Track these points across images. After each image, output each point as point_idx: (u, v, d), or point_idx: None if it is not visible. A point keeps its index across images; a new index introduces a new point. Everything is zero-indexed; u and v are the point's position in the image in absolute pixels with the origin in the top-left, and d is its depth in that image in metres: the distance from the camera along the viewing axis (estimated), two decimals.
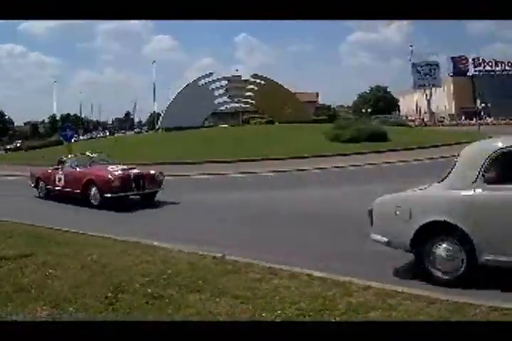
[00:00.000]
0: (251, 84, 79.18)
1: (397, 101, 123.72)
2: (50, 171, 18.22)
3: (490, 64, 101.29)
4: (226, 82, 79.63)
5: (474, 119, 60.16)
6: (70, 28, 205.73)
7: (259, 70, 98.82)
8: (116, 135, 73.15)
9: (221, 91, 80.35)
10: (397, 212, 6.93)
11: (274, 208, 13.63)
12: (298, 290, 6.13)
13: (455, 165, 6.73)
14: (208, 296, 6.00)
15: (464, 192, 6.44)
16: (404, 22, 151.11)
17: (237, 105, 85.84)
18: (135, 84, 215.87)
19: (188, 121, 64.99)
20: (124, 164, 17.65)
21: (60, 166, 17.87)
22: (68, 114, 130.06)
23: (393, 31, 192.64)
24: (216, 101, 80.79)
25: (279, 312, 5.34)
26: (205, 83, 78.08)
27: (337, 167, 25.25)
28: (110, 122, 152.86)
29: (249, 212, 13.35)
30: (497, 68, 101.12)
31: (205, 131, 56.79)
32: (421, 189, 7.24)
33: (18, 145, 75.14)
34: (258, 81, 78.79)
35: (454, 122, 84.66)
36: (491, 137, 37.36)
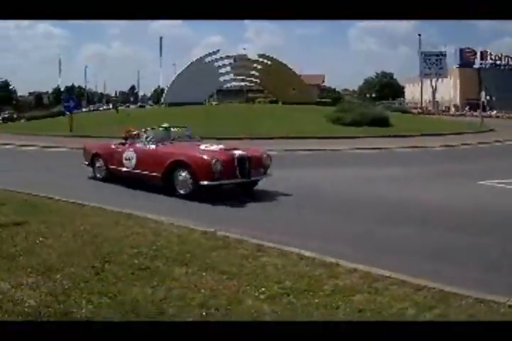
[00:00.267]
0: (257, 64, 78.76)
1: (403, 88, 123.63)
2: (114, 147, 14.36)
3: (497, 58, 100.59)
4: (232, 60, 79.10)
5: (478, 111, 59.93)
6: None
7: (266, 51, 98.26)
8: (119, 108, 72.43)
9: (227, 69, 79.96)
10: None
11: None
12: (285, 269, 6.14)
13: None
14: (194, 270, 6.02)
15: None
16: None
17: (242, 84, 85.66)
18: (141, 58, 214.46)
19: (191, 97, 64.78)
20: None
21: (128, 141, 14.24)
22: (73, 86, 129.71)
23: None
24: (221, 79, 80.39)
25: (263, 289, 5.36)
26: (211, 60, 77.50)
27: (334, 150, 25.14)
28: (115, 95, 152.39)
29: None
30: (504, 62, 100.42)
31: (211, 107, 56.75)
32: None
33: (6, 116, 72.98)
34: (264, 61, 78.31)
35: (458, 113, 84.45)
36: (492, 130, 37.82)
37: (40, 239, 7.29)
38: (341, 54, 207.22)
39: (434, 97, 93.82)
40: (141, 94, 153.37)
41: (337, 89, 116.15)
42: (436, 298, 5.28)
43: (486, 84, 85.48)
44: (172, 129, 14.40)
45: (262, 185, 12.83)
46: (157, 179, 12.52)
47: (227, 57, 78.20)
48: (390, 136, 30.08)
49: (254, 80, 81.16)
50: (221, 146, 12.63)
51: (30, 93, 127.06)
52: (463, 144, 28.47)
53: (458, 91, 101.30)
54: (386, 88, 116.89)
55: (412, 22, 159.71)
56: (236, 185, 12.51)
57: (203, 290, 5.34)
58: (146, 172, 12.88)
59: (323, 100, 72.57)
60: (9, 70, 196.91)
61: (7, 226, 8.00)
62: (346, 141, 27.98)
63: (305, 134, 29.62)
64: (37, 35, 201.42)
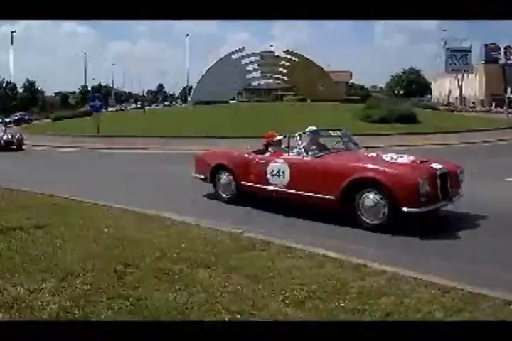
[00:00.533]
0: (284, 61, 78.89)
1: (430, 84, 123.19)
2: (250, 157, 11.04)
3: None
4: (259, 57, 79.45)
5: (504, 107, 59.43)
6: None
7: (293, 47, 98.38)
8: (146, 108, 73.07)
9: (254, 66, 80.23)
10: None
11: None
12: (311, 271, 6.06)
13: None
14: (218, 273, 5.97)
15: None
16: None
17: (269, 81, 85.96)
18: (168, 57, 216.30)
19: (219, 95, 65.17)
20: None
21: (271, 149, 11.11)
22: (100, 85, 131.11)
23: None
24: (248, 77, 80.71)
25: (289, 293, 5.29)
26: (238, 58, 77.97)
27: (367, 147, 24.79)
28: (142, 94, 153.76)
29: None
30: None
31: (239, 105, 57.15)
32: None
33: (16, 117, 71.08)
34: (291, 57, 78.50)
35: (484, 109, 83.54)
36: None
37: (62, 242, 7.32)
38: (368, 50, 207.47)
39: (460, 93, 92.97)
40: (169, 93, 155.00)
41: (365, 86, 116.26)
42: (464, 300, 5.19)
43: (511, 80, 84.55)
44: (333, 133, 11.18)
45: None
46: (330, 203, 9.27)
47: (254, 54, 78.48)
48: (418, 133, 29.77)
49: (282, 77, 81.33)
50: (412, 158, 9.56)
51: (56, 93, 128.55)
52: (499, 140, 28.19)
53: (483, 88, 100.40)
54: (413, 85, 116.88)
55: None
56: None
57: (226, 294, 5.28)
58: (310, 194, 9.57)
59: (352, 97, 72.42)
60: (35, 70, 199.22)
61: (29, 229, 8.05)
62: (378, 138, 27.72)
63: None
64: (62, 34, 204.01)
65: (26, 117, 74.41)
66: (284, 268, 6.18)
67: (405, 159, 9.38)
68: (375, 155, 9.85)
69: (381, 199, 8.54)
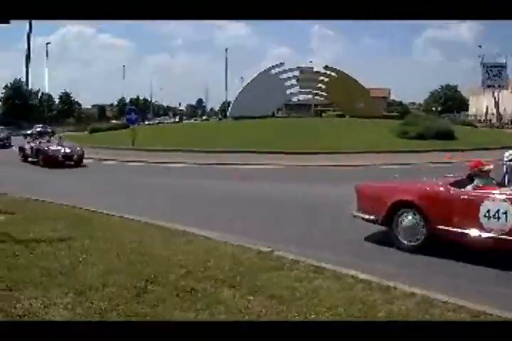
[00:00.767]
0: (323, 76, 79.16)
1: (467, 100, 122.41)
2: (452, 192, 8.44)
3: None
4: (298, 72, 79.88)
5: None
6: None
7: (332, 63, 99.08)
8: (184, 121, 73.85)
9: (292, 81, 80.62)
10: None
11: None
12: (339, 293, 5.86)
13: None
14: (242, 293, 5.80)
15: None
16: (475, 22, 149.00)
17: (309, 97, 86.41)
18: (207, 70, 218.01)
19: (257, 110, 65.49)
20: None
21: (478, 181, 8.55)
22: (138, 98, 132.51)
23: (464, 30, 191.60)
24: (288, 92, 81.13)
25: (314, 315, 5.09)
26: (277, 72, 78.41)
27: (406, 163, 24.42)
28: (181, 108, 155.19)
29: None
30: None
31: (279, 120, 57.50)
32: None
33: (38, 129, 63.85)
34: (330, 73, 78.76)
35: None
36: None
37: (84, 255, 7.24)
38: (406, 66, 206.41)
39: (497, 110, 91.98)
40: (209, 107, 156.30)
41: (404, 102, 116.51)
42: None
43: None
44: None
45: None
46: None
47: (293, 69, 78.94)
48: (456, 150, 29.34)
49: (321, 93, 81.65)
50: None
51: (92, 105, 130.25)
52: None
53: None
54: (450, 101, 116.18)
55: (472, 33, 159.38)
56: None
57: (248, 316, 5.10)
58: None
59: (391, 114, 72.54)
60: (72, 82, 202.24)
61: (52, 241, 8.01)
62: (415, 155, 27.61)
63: (378, 148, 29.49)
64: (100, 46, 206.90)
65: (48, 130, 68.90)
66: (311, 289, 5.99)
67: None
68: None
69: None
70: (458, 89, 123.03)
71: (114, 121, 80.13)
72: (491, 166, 8.76)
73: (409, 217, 8.68)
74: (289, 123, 53.15)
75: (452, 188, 8.51)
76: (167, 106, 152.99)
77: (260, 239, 8.74)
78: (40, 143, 27.64)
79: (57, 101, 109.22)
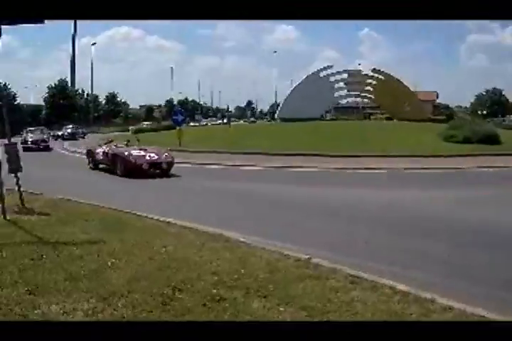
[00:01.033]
0: (371, 79, 79.43)
1: None
2: None
3: None
4: (346, 75, 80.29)
5: None
6: None
7: (380, 66, 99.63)
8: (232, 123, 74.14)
9: (341, 84, 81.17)
10: None
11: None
12: (374, 306, 5.59)
13: None
14: (273, 304, 5.58)
15: None
16: None
17: (357, 99, 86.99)
18: (257, 73, 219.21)
19: (306, 112, 65.83)
20: None
21: None
22: (186, 99, 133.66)
23: (508, 34, 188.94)
24: (336, 94, 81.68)
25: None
26: (326, 75, 78.90)
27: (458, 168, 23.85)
28: (229, 109, 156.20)
29: None
30: None
31: (325, 123, 57.60)
32: None
33: (69, 131, 62.93)
34: (378, 76, 79.05)
35: None
36: None
37: (113, 260, 7.14)
38: (453, 69, 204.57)
39: None
40: (258, 109, 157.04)
41: (450, 106, 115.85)
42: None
43: None
44: None
45: None
46: None
47: (341, 71, 79.47)
48: (502, 155, 28.71)
49: (369, 96, 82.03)
50: None
51: (140, 106, 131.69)
52: None
53: None
54: (496, 105, 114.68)
55: None
56: None
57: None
58: None
59: (438, 117, 72.78)
60: (120, 83, 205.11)
61: (82, 244, 7.94)
62: (463, 159, 27.24)
63: (425, 152, 29.27)
64: (148, 47, 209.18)
65: (80, 131, 67.23)
66: (345, 301, 5.74)
67: None
68: None
69: None
70: (503, 93, 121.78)
71: (145, 123, 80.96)
72: None
73: None
74: (338, 125, 53.34)
75: None
76: (216, 108, 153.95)
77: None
78: (116, 146, 23.57)
79: (103, 101, 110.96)
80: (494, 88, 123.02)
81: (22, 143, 36.97)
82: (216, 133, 49.77)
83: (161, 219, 10.48)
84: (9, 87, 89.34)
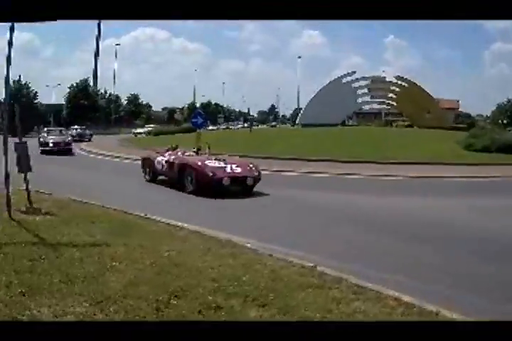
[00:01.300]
0: (394, 86, 79.86)
1: None
2: None
3: None
4: (369, 81, 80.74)
5: None
6: None
7: (404, 73, 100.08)
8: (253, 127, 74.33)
9: (364, 90, 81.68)
10: None
11: None
12: (375, 318, 5.49)
13: None
14: (271, 313, 5.51)
15: None
16: None
17: (379, 106, 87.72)
18: (281, 77, 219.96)
19: (328, 118, 66.19)
20: None
21: None
22: (209, 102, 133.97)
23: None
24: (359, 100, 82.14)
25: None
26: (349, 81, 79.37)
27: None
28: (252, 113, 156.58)
29: None
30: None
31: (341, 129, 58.03)
32: None
33: (76, 131, 58.61)
34: (401, 83, 79.49)
35: None
36: None
37: (113, 263, 7.11)
38: (475, 78, 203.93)
39: None
40: (281, 114, 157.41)
41: (471, 115, 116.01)
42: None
43: None
44: None
45: None
46: None
47: (365, 78, 79.92)
48: None
49: (391, 103, 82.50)
50: None
51: (163, 108, 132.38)
52: None
53: None
54: None
55: None
56: None
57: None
58: None
59: (459, 125, 73.36)
60: (144, 84, 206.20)
61: (83, 246, 7.94)
62: (486, 167, 26.93)
63: (443, 160, 29.49)
64: (173, 49, 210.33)
65: (87, 132, 61.93)
66: (346, 312, 5.66)
67: None
68: None
69: None
70: None
71: (151, 126, 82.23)
72: None
73: None
74: (360, 131, 53.85)
75: None
76: (239, 112, 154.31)
77: None
78: (183, 154, 19.17)
79: (125, 102, 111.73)
80: None
81: (41, 145, 35.91)
82: (236, 136, 49.88)
83: (171, 223, 10.48)
84: (30, 85, 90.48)
